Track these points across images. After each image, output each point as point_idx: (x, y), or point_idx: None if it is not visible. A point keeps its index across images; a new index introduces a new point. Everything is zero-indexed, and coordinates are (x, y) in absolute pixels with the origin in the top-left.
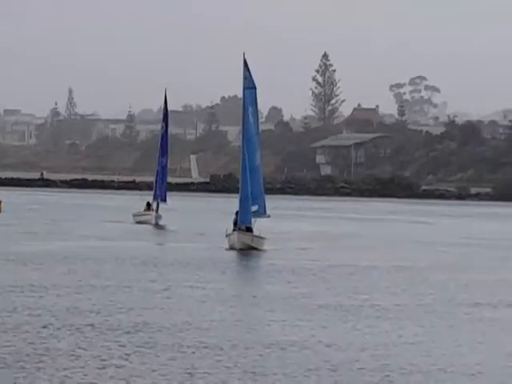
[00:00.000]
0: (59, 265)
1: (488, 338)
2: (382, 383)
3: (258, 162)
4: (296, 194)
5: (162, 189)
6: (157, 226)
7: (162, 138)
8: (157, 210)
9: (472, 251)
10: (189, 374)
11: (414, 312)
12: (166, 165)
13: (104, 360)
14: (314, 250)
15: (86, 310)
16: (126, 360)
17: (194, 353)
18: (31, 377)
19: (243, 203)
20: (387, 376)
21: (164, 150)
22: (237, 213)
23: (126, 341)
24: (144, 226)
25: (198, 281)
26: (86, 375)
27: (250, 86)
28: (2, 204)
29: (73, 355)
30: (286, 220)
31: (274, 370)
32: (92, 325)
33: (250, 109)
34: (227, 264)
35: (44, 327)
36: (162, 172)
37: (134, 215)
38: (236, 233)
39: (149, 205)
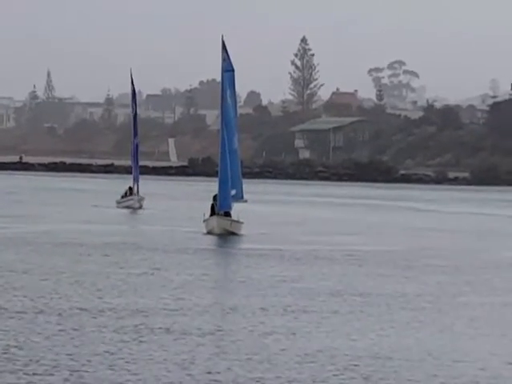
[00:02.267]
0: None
1: None
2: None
3: (236, 145)
4: (274, 177)
5: (137, 170)
6: (139, 208)
7: (134, 119)
8: (137, 193)
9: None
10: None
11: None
12: (138, 145)
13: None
14: (290, 235)
15: (70, 294)
16: (115, 346)
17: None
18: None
19: (222, 187)
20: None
21: (136, 131)
22: (214, 197)
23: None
24: (126, 210)
25: (180, 265)
26: (76, 361)
27: (228, 68)
28: None
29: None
30: (263, 204)
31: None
32: (81, 308)
33: (229, 92)
34: (206, 248)
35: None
36: (137, 153)
37: (118, 202)
38: (215, 217)
39: (131, 189)
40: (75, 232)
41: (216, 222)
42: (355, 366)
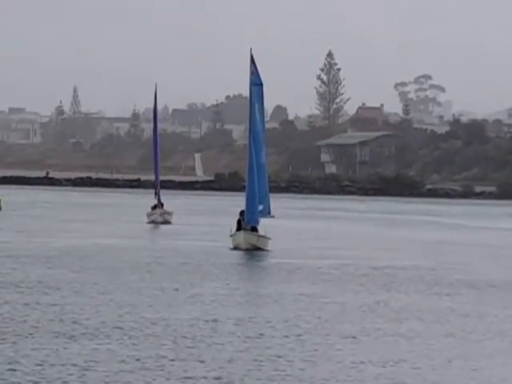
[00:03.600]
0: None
1: None
2: None
3: (264, 159)
4: (301, 192)
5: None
6: (163, 223)
7: (153, 135)
8: (162, 206)
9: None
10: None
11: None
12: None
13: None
14: (321, 250)
15: (98, 309)
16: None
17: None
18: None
19: (250, 202)
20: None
21: (156, 147)
22: (241, 212)
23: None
24: (151, 224)
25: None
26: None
27: (256, 82)
28: (1, 202)
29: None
30: (290, 220)
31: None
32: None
33: (257, 106)
34: (233, 264)
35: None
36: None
37: (148, 215)
38: (242, 232)
39: (162, 204)
40: (105, 247)
41: (243, 237)
42: None
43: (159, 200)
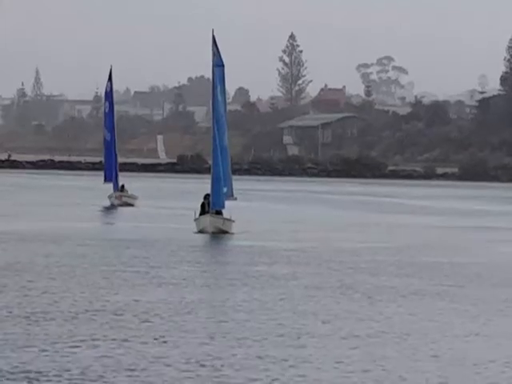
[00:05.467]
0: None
1: None
2: None
3: (227, 142)
4: (263, 174)
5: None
6: (126, 205)
7: (104, 116)
8: (121, 190)
9: None
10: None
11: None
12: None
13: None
14: (284, 232)
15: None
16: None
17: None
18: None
19: (216, 186)
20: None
21: (109, 128)
22: (205, 196)
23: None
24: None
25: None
26: (80, 361)
27: (218, 63)
28: None
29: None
30: (252, 202)
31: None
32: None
33: (219, 87)
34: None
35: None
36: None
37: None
38: (208, 216)
39: (123, 187)
40: (69, 229)
41: (209, 221)
42: None
43: (116, 183)
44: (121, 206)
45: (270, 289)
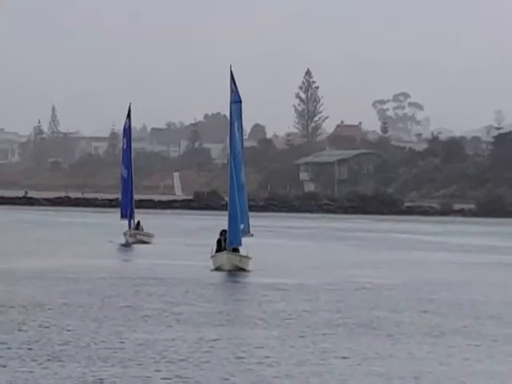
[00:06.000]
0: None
1: None
2: None
3: (243, 179)
4: (280, 211)
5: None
6: (141, 243)
7: (123, 153)
8: (136, 228)
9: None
10: None
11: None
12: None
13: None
14: (302, 268)
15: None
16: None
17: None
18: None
19: (232, 223)
20: None
21: (126, 164)
22: (221, 232)
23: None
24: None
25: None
26: None
27: (236, 99)
28: None
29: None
30: (269, 239)
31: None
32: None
33: (236, 124)
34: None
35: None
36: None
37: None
38: (225, 253)
39: (138, 223)
40: (86, 267)
41: (226, 258)
42: None
43: (131, 220)
44: (135, 243)
45: (289, 326)
